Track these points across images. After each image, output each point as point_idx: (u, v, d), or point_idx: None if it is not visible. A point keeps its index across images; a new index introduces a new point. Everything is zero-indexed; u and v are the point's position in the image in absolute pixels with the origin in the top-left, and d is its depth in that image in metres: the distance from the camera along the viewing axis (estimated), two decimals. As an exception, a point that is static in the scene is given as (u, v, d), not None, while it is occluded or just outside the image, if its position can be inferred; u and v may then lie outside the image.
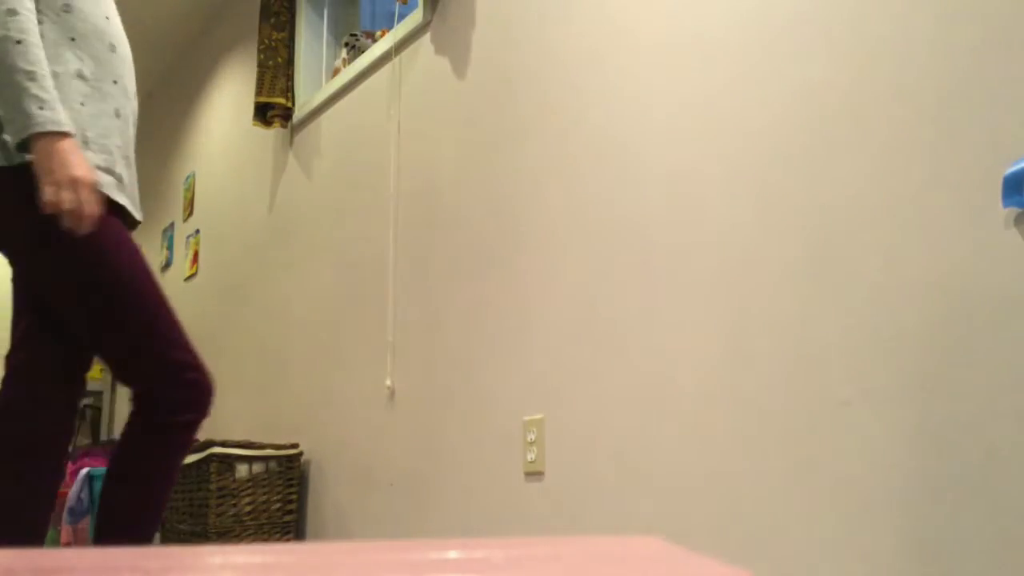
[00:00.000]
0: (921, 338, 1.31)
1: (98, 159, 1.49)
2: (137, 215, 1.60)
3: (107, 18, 1.57)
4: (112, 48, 1.55)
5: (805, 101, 1.53)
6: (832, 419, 1.41)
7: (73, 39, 1.49)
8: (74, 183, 1.36)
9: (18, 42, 1.36)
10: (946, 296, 1.29)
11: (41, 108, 1.35)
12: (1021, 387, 1.19)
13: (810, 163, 1.51)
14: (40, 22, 1.48)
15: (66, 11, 1.50)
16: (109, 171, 1.51)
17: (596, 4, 2.01)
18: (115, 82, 1.55)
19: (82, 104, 1.48)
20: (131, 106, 1.59)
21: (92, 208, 1.38)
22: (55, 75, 1.47)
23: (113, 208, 1.51)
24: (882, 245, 1.38)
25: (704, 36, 1.73)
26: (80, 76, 1.49)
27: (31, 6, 1.42)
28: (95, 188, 1.39)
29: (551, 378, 1.99)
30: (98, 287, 1.44)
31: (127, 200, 1.55)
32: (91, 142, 1.48)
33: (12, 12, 1.38)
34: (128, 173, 1.57)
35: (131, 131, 1.59)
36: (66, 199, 1.36)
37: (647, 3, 1.88)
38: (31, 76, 1.36)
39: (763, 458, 1.51)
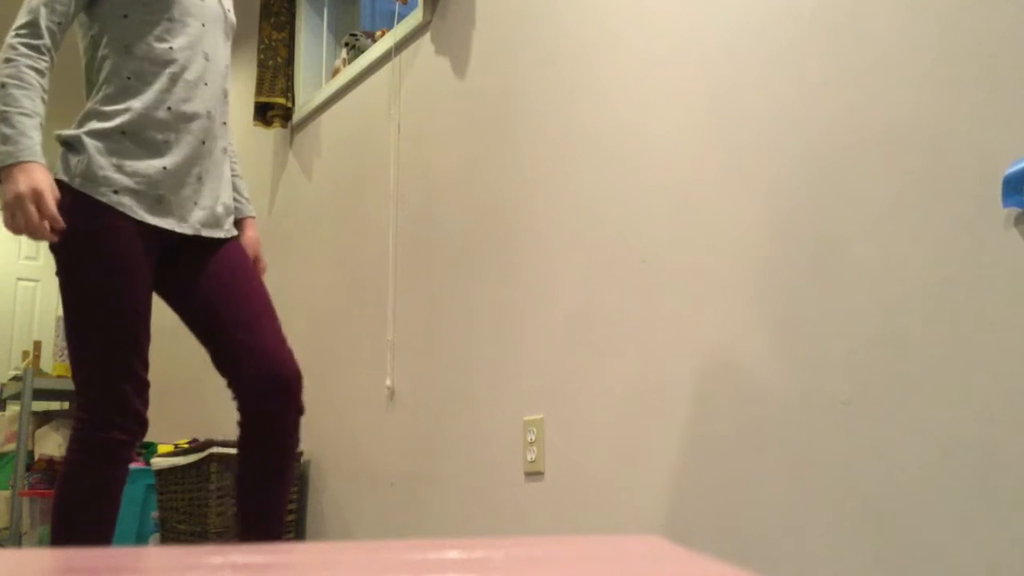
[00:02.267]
0: (921, 338, 1.31)
1: (130, 182, 1.62)
2: (182, 228, 1.67)
3: (171, 48, 1.69)
4: (172, 79, 1.69)
5: (805, 101, 1.53)
6: (832, 419, 1.41)
7: (128, 77, 1.66)
8: (18, 200, 1.49)
9: (1, 86, 1.55)
10: (946, 296, 1.29)
11: (4, 144, 1.52)
12: (1022, 387, 1.19)
13: (810, 163, 1.51)
14: (103, 67, 1.66)
15: (126, 52, 1.66)
16: (143, 194, 1.63)
17: (597, 4, 2.01)
18: (169, 108, 1.67)
19: (123, 133, 1.63)
20: (194, 126, 1.70)
21: (35, 223, 1.50)
22: (105, 113, 1.63)
23: (140, 226, 1.61)
24: (882, 245, 1.38)
25: (704, 37, 1.73)
26: (129, 109, 1.64)
27: (28, 52, 1.58)
28: (38, 196, 1.50)
29: (551, 378, 1.99)
30: (64, 294, 1.59)
31: (162, 220, 1.64)
32: (127, 167, 1.62)
33: (5, 61, 1.57)
34: (179, 194, 1.67)
35: (185, 153, 1.69)
36: (18, 221, 1.50)
37: (648, 4, 1.88)
38: (1, 116, 1.53)
39: (763, 458, 1.51)
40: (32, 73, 1.57)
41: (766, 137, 1.59)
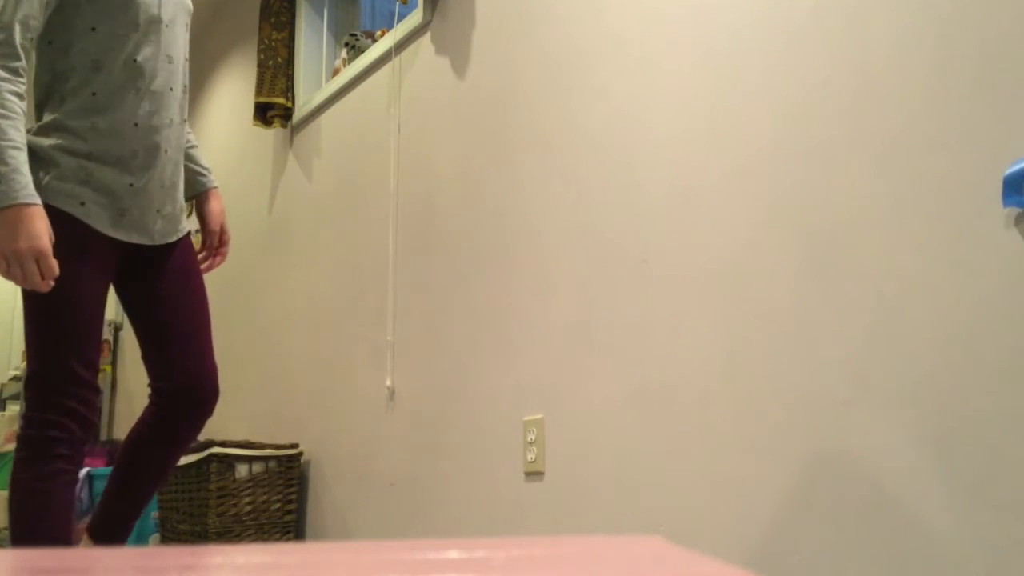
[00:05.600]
0: (921, 338, 1.31)
1: (96, 195, 1.62)
2: (145, 241, 1.70)
3: (135, 60, 1.66)
4: (139, 92, 1.66)
5: (805, 101, 1.53)
6: (832, 419, 1.41)
7: (95, 94, 1.62)
8: (18, 255, 1.46)
9: None
10: (946, 296, 1.29)
11: None
12: (1021, 387, 1.19)
13: (809, 163, 1.51)
14: (67, 78, 1.62)
15: (95, 67, 1.63)
16: (107, 206, 1.64)
17: (597, 4, 2.01)
18: (136, 124, 1.66)
19: (91, 151, 1.62)
20: (158, 137, 1.69)
21: (35, 281, 1.48)
22: (72, 130, 1.61)
23: (103, 237, 1.64)
24: (882, 245, 1.38)
25: (704, 38, 1.73)
26: (95, 128, 1.62)
27: (8, 76, 1.52)
28: (40, 255, 1.48)
29: (551, 378, 1.99)
30: (24, 294, 1.59)
31: (123, 234, 1.67)
32: (93, 182, 1.62)
33: None
34: (142, 207, 1.68)
35: (152, 167, 1.69)
36: (15, 274, 1.48)
37: (648, 4, 1.88)
38: None
39: (763, 458, 1.51)
40: (15, 100, 1.51)
41: (766, 137, 1.59)
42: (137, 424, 1.73)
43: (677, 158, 1.76)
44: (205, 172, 1.90)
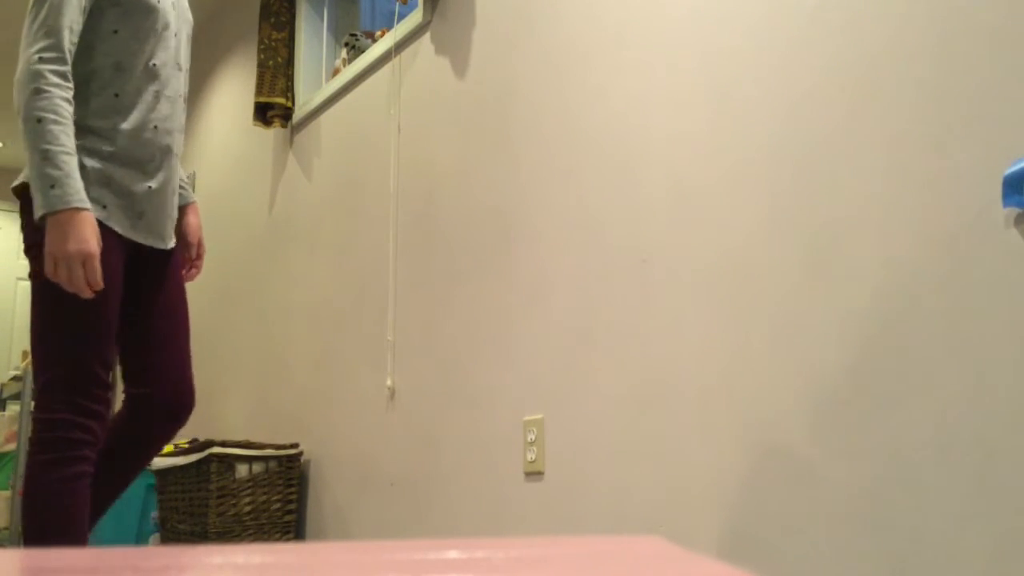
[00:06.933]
0: (921, 338, 1.31)
1: (117, 199, 1.64)
2: (159, 244, 1.72)
3: (154, 65, 1.69)
4: (156, 96, 1.69)
5: (805, 101, 1.53)
6: (831, 419, 1.41)
7: (117, 95, 1.64)
8: (67, 258, 1.48)
9: (38, 120, 1.49)
10: (946, 296, 1.29)
11: (52, 187, 1.48)
12: (1021, 387, 1.19)
13: (810, 163, 1.51)
14: (90, 80, 1.62)
15: (116, 69, 1.64)
16: (127, 209, 1.66)
17: (597, 4, 2.01)
18: (155, 127, 1.69)
19: (113, 152, 1.63)
20: (171, 140, 1.73)
21: (80, 284, 1.50)
22: (95, 131, 1.61)
23: (122, 241, 1.65)
24: (882, 245, 1.38)
25: (704, 38, 1.74)
26: (117, 129, 1.64)
27: (59, 81, 1.53)
28: (88, 259, 1.49)
29: (551, 378, 1.99)
30: (41, 297, 1.58)
31: (140, 236, 1.68)
32: (115, 185, 1.64)
33: (37, 91, 1.51)
34: (157, 211, 1.71)
35: (167, 171, 1.72)
36: (61, 275, 1.49)
37: (648, 5, 1.88)
38: (45, 155, 1.49)
39: (763, 458, 1.51)
40: (65, 106, 1.53)
41: (766, 137, 1.59)
42: (107, 431, 1.70)
43: (677, 158, 1.76)
44: (186, 186, 1.92)
